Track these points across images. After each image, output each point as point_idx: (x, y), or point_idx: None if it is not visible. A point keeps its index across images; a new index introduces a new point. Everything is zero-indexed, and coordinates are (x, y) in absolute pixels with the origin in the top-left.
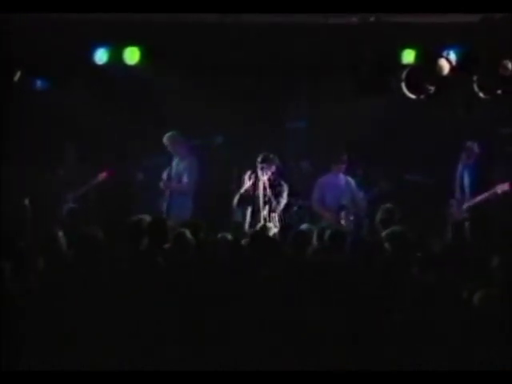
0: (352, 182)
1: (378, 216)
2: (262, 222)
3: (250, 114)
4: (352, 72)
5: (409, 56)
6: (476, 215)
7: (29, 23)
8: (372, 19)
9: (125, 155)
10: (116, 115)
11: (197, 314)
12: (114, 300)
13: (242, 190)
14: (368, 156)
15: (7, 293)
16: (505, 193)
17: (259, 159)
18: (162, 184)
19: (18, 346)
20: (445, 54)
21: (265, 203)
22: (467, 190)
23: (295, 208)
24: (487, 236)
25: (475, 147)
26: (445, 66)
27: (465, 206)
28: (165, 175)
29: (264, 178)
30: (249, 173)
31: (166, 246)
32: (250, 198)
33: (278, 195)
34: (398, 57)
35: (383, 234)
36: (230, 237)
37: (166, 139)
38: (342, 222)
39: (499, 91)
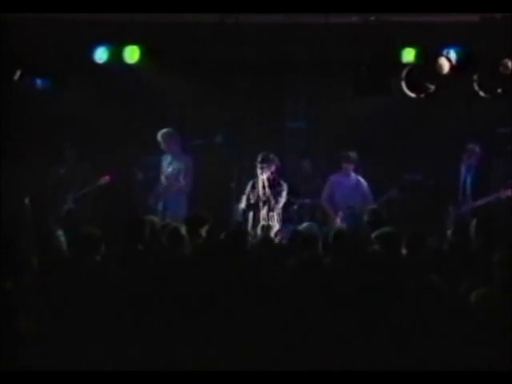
0: (364, 183)
1: (365, 218)
2: (262, 221)
3: (250, 113)
4: (352, 71)
5: (409, 55)
6: (478, 217)
7: (29, 23)
8: (372, 19)
9: (124, 154)
10: (116, 114)
11: (196, 314)
12: (114, 300)
13: (247, 195)
14: (368, 155)
15: (7, 292)
16: (508, 198)
17: (259, 159)
18: (162, 182)
19: (18, 346)
20: (445, 52)
21: (264, 202)
22: (469, 190)
23: (295, 207)
24: (488, 237)
25: (477, 148)
26: (445, 65)
27: (467, 207)
28: (162, 175)
29: (263, 176)
30: (252, 182)
31: (165, 245)
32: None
33: (277, 194)
34: (398, 56)
35: (373, 235)
36: (229, 236)
37: (160, 136)
38: (343, 222)
39: (499, 90)
